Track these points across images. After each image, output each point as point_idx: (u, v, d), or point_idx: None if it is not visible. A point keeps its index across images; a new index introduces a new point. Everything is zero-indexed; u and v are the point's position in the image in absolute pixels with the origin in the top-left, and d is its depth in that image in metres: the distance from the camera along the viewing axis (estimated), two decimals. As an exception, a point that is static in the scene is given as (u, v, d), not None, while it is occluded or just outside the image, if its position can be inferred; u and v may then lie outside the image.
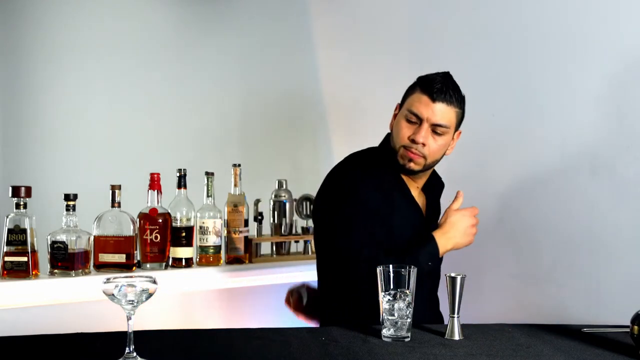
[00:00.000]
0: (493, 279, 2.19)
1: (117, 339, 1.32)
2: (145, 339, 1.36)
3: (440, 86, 1.72)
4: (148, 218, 2.14)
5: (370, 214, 1.72)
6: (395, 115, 1.82)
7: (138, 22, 3.79)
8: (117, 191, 2.08)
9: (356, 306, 1.73)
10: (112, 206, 2.08)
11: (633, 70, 1.98)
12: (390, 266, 1.43)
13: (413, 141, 1.72)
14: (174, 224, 2.20)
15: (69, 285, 1.96)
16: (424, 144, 1.72)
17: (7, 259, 1.90)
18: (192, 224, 2.24)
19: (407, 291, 1.42)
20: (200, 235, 2.27)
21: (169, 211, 2.20)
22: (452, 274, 1.45)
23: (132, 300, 1.19)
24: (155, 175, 2.15)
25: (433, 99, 1.71)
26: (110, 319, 1.60)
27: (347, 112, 2.89)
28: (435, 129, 1.72)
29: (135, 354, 1.21)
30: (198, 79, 3.56)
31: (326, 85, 2.97)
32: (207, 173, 2.29)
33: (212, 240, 2.26)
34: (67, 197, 1.98)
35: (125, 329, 1.22)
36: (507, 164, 2.28)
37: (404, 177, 1.82)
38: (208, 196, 2.29)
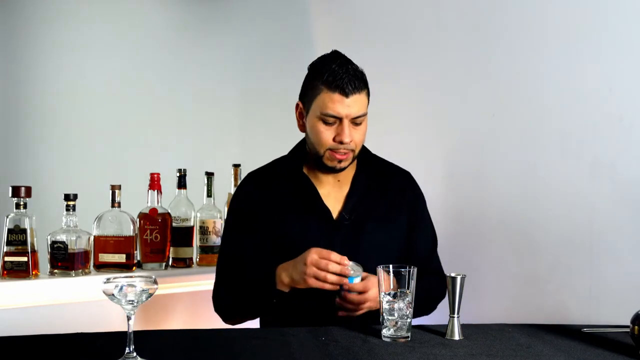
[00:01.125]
0: (493, 279, 2.18)
1: (117, 339, 1.32)
2: (145, 339, 1.36)
3: (346, 78, 1.63)
4: (148, 218, 2.14)
5: (236, 232, 1.77)
6: (300, 115, 1.75)
7: (138, 22, 3.79)
8: (117, 191, 2.08)
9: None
10: (112, 206, 2.08)
11: (633, 70, 1.98)
12: (390, 266, 1.43)
13: (340, 142, 1.66)
14: (174, 224, 2.20)
15: (69, 285, 1.96)
16: (350, 141, 1.68)
17: (7, 259, 1.90)
18: (192, 224, 2.24)
19: (407, 291, 1.42)
20: (200, 235, 2.27)
21: (169, 211, 2.20)
22: (452, 274, 1.45)
23: (132, 300, 1.19)
24: (155, 175, 2.15)
25: (346, 94, 1.63)
26: (110, 319, 1.60)
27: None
28: (354, 120, 1.67)
29: (135, 354, 1.21)
30: (198, 79, 3.56)
31: (326, 85, 2.96)
32: (207, 173, 2.29)
33: (212, 240, 2.26)
34: (67, 197, 1.98)
35: (125, 329, 1.22)
36: (507, 164, 2.27)
37: (313, 178, 1.77)
38: (208, 196, 2.29)
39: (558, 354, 1.33)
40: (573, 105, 2.11)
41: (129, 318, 1.21)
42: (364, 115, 1.68)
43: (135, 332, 1.23)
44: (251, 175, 1.85)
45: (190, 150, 3.48)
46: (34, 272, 1.92)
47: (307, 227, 1.72)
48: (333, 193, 1.77)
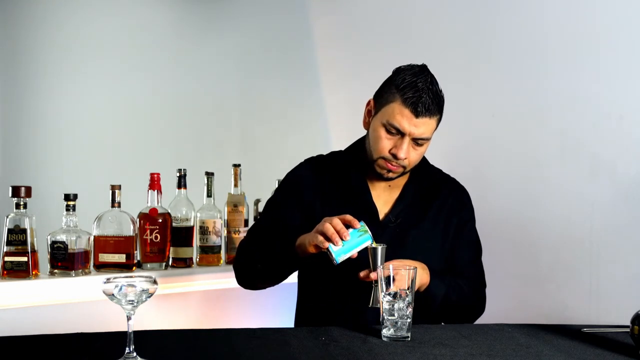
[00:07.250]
0: (493, 279, 2.18)
1: (117, 339, 1.32)
2: (145, 339, 1.36)
3: (424, 99, 1.59)
4: (148, 218, 2.14)
5: (278, 207, 1.79)
6: (369, 112, 1.72)
7: (138, 22, 3.80)
8: (117, 191, 2.08)
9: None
10: (112, 206, 2.08)
11: (633, 70, 1.99)
12: (391, 266, 1.43)
13: (394, 156, 1.64)
14: (174, 224, 2.20)
15: (69, 285, 1.96)
16: (405, 158, 1.65)
17: (7, 259, 1.90)
18: (192, 224, 2.24)
19: (407, 291, 1.42)
20: (200, 235, 2.27)
21: (169, 211, 2.20)
22: (374, 245, 1.51)
23: (132, 300, 1.19)
24: (155, 175, 2.15)
25: (417, 114, 1.60)
26: (110, 319, 1.60)
27: (347, 112, 2.89)
28: (417, 141, 1.64)
29: (135, 354, 1.21)
30: (198, 79, 3.57)
31: (326, 85, 2.97)
32: (207, 173, 2.29)
33: (212, 240, 2.26)
34: (67, 197, 1.97)
35: (125, 329, 1.22)
36: (507, 164, 2.28)
37: (367, 177, 1.75)
38: (208, 196, 2.29)
39: (558, 354, 1.33)
40: (573, 105, 2.11)
41: (129, 318, 1.21)
42: (428, 139, 1.66)
43: (135, 332, 1.23)
44: (309, 160, 1.86)
45: (190, 150, 3.48)
46: (34, 272, 1.92)
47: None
48: (383, 196, 1.77)
